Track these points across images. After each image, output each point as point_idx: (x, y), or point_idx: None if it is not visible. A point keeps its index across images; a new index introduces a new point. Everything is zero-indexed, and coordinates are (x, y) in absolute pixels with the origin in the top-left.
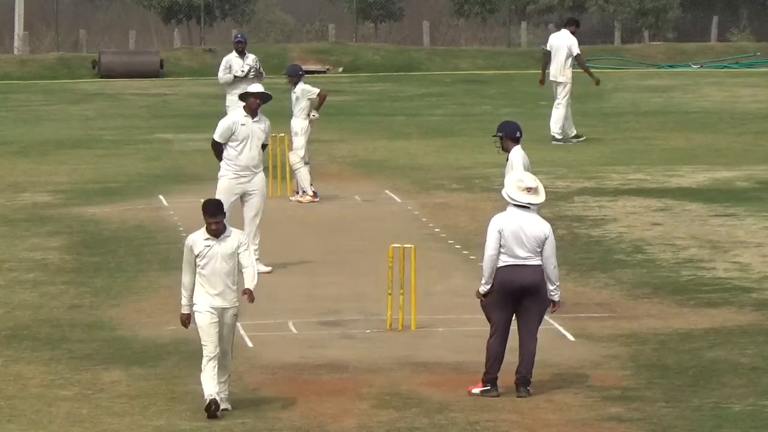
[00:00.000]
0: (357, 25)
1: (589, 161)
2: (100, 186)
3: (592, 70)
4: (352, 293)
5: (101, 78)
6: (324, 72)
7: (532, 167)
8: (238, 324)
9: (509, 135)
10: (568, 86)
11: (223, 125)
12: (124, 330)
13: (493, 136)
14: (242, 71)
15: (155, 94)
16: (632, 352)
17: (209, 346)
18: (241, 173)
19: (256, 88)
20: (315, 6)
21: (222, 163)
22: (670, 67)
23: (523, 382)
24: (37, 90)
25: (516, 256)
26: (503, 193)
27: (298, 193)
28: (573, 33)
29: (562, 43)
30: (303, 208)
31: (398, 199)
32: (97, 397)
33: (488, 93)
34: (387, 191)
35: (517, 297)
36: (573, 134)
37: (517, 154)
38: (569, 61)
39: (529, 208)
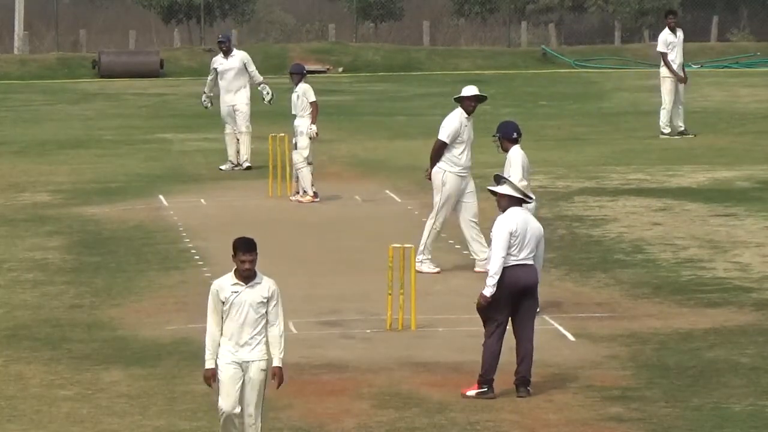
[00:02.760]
0: (357, 25)
1: (589, 161)
2: (100, 186)
3: (598, 70)
4: (352, 293)
5: (101, 78)
6: (324, 72)
7: (532, 167)
8: None
9: (506, 136)
10: (665, 81)
11: (451, 127)
12: (124, 330)
13: (492, 136)
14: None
15: (155, 94)
16: (632, 352)
17: (227, 404)
18: (461, 173)
19: (471, 90)
20: (315, 6)
21: (443, 164)
22: None
23: (523, 382)
24: (37, 90)
25: (519, 257)
26: (507, 189)
27: (298, 193)
28: (668, 26)
29: (659, 39)
30: (303, 208)
31: (398, 199)
32: (97, 397)
33: (488, 93)
34: (387, 191)
35: (518, 297)
36: (680, 129)
37: (516, 153)
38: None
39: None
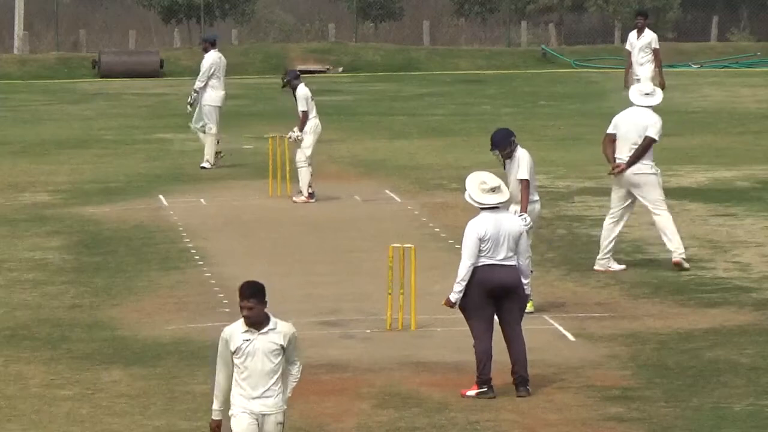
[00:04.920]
0: (357, 25)
1: (589, 161)
2: (100, 186)
3: (599, 70)
4: (352, 293)
5: (101, 78)
6: (324, 72)
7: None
8: None
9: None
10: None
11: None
12: (124, 330)
13: (491, 150)
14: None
15: (155, 94)
16: (632, 352)
17: None
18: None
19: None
20: (315, 6)
21: (649, 161)
22: (670, 67)
23: (522, 381)
24: (37, 90)
25: (496, 258)
26: (467, 197)
27: (299, 192)
28: (636, 26)
29: None
30: (303, 208)
31: (398, 199)
32: (97, 397)
33: (488, 93)
34: (387, 191)
35: (495, 296)
36: None
37: (523, 153)
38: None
39: (498, 208)
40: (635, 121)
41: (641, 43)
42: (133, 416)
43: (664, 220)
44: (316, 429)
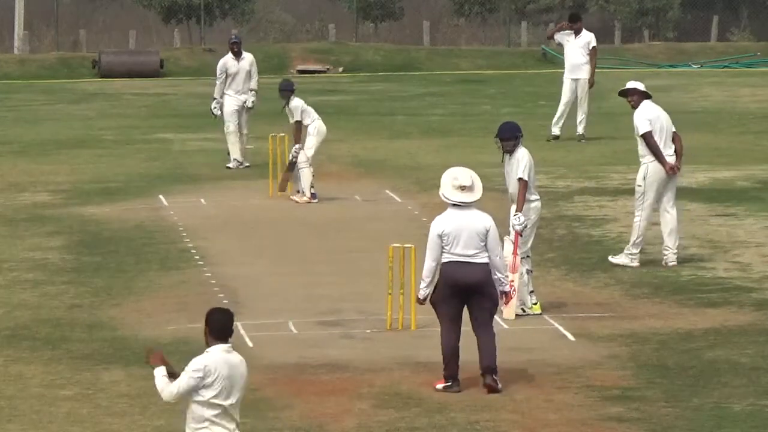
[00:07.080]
0: (357, 25)
1: (589, 161)
2: (100, 186)
3: (598, 70)
4: (352, 293)
5: (101, 78)
6: (324, 72)
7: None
8: (238, 324)
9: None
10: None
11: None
12: (124, 330)
13: (496, 137)
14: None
15: (155, 94)
16: (632, 352)
17: None
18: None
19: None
20: (315, 6)
21: (648, 158)
22: (670, 67)
23: (489, 370)
24: (37, 90)
25: (461, 254)
26: (440, 191)
27: (298, 192)
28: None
29: None
30: (303, 208)
31: (398, 199)
32: (97, 397)
33: (488, 93)
34: (387, 191)
35: (464, 293)
36: (577, 133)
37: (523, 153)
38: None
39: (467, 206)
40: (662, 116)
41: (580, 43)
42: (133, 416)
43: (674, 218)
44: (316, 429)
